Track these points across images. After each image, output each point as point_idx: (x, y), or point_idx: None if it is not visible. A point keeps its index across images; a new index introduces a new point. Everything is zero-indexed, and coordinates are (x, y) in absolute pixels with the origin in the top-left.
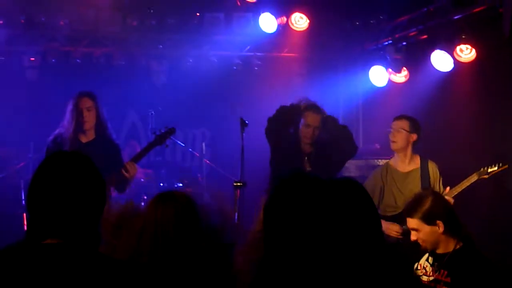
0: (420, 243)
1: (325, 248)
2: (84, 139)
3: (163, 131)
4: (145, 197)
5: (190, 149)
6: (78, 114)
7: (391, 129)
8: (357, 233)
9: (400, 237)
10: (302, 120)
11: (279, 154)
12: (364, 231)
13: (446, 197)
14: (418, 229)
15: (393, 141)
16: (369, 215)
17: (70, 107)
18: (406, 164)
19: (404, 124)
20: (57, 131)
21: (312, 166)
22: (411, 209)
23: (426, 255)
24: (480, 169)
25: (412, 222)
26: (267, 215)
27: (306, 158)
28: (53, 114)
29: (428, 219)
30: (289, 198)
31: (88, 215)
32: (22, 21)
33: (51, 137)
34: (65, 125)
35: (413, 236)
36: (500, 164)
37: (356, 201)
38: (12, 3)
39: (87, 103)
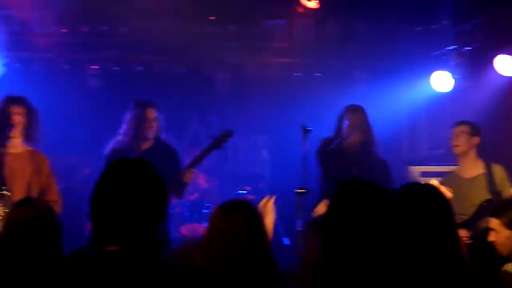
0: (496, 246)
1: (391, 255)
2: (143, 146)
3: (220, 134)
4: (208, 204)
5: (252, 156)
6: (144, 123)
7: (453, 135)
8: (429, 239)
9: (469, 241)
10: (345, 122)
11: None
12: (437, 237)
13: None
14: (497, 231)
15: (456, 145)
16: (442, 219)
17: (133, 114)
18: (471, 169)
19: (465, 128)
20: (117, 139)
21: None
22: (499, 209)
23: None
24: None
25: (494, 222)
26: (326, 221)
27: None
28: (115, 121)
29: (510, 225)
30: (351, 203)
31: (150, 221)
32: (85, 30)
33: (110, 145)
34: (126, 132)
35: (491, 237)
36: None
37: (429, 206)
38: (74, 12)
39: (154, 113)
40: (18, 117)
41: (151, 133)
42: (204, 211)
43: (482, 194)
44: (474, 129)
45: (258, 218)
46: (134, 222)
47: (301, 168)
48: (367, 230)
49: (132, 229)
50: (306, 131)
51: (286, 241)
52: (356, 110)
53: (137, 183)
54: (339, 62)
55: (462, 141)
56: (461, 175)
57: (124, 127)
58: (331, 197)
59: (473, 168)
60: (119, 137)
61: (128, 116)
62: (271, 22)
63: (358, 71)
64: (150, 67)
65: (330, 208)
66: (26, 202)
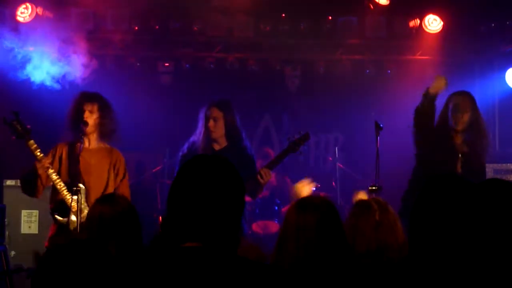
0: None
1: (474, 252)
2: (216, 147)
3: (297, 137)
4: (278, 201)
5: (324, 153)
6: (206, 123)
7: None
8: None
9: None
10: (450, 106)
11: (429, 153)
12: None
13: None
14: None
15: None
16: None
17: (201, 115)
18: None
19: None
20: (191, 139)
21: (464, 168)
22: None
23: None
24: None
25: None
26: (414, 216)
27: (460, 156)
28: (187, 119)
29: None
30: (440, 200)
31: (228, 218)
32: (157, 27)
33: (186, 145)
34: (198, 133)
35: None
36: None
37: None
38: (146, 10)
39: (214, 112)
40: (91, 114)
41: (213, 134)
42: (275, 208)
43: None
44: None
45: (331, 214)
46: (212, 218)
47: (373, 165)
48: (455, 226)
49: (209, 226)
50: (378, 128)
51: None
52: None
53: (215, 179)
54: (409, 58)
55: None
56: None
57: (198, 127)
58: (421, 190)
59: None
60: (193, 137)
61: (199, 115)
62: (342, 19)
63: (429, 67)
64: (222, 65)
65: (419, 202)
66: (110, 198)
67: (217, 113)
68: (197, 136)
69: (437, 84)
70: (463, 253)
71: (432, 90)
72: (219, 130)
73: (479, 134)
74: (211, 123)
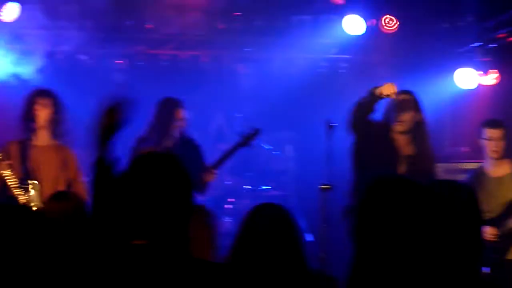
0: None
1: (419, 251)
2: (167, 144)
3: (248, 132)
4: (231, 200)
5: (277, 152)
6: (172, 122)
7: (489, 138)
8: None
9: (497, 239)
10: (394, 105)
11: (370, 154)
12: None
13: None
14: None
15: (495, 151)
16: (472, 219)
17: (161, 112)
18: (498, 168)
19: (502, 132)
20: (142, 135)
21: (409, 170)
22: None
23: None
24: None
25: None
26: (358, 218)
27: (404, 158)
28: (140, 116)
29: None
30: (384, 200)
31: (174, 215)
32: (109, 24)
33: (136, 141)
34: (152, 129)
35: None
36: None
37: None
38: (99, 7)
39: (182, 113)
40: (42, 109)
41: (177, 132)
42: (226, 206)
43: (509, 194)
44: (508, 132)
45: (283, 220)
46: (158, 216)
47: (325, 164)
48: (399, 228)
49: (155, 224)
50: (330, 127)
51: (309, 237)
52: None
53: (161, 177)
54: (363, 57)
55: (500, 147)
56: (488, 174)
57: (150, 124)
58: (364, 192)
59: (500, 167)
60: (145, 134)
61: (156, 113)
62: (297, 17)
63: (382, 68)
64: (176, 62)
65: (363, 204)
66: (62, 196)
67: (184, 114)
68: (151, 133)
69: (385, 90)
70: (408, 255)
71: (377, 92)
72: (181, 129)
73: (423, 135)
74: (182, 123)
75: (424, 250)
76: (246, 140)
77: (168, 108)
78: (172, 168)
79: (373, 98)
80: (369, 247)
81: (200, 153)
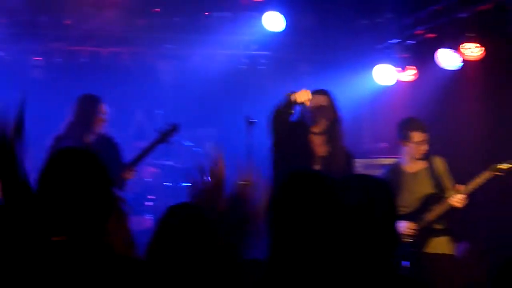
0: None
1: (334, 245)
2: (86, 140)
3: (166, 128)
4: (151, 197)
5: (197, 148)
6: (95, 118)
7: (417, 142)
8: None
9: (414, 233)
10: (309, 105)
11: (287, 154)
12: (381, 229)
13: (460, 195)
14: None
15: (419, 154)
16: (387, 213)
17: (83, 108)
18: (414, 163)
19: (427, 134)
20: (61, 131)
21: (323, 170)
22: None
23: None
24: (492, 165)
25: None
26: (271, 213)
27: (319, 159)
28: (60, 113)
29: None
30: (297, 194)
31: (94, 212)
32: (28, 20)
33: (55, 136)
34: (73, 125)
35: None
36: None
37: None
38: (18, 2)
39: (105, 109)
40: None
41: (98, 129)
42: (147, 203)
43: (425, 188)
44: (428, 131)
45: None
46: (75, 212)
47: (245, 160)
48: (313, 221)
49: (73, 220)
50: (250, 123)
51: None
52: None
53: (81, 173)
54: (282, 55)
55: (424, 149)
56: (405, 169)
57: (71, 120)
58: (278, 187)
59: (416, 162)
60: (64, 131)
61: (76, 109)
62: (217, 14)
63: (302, 64)
64: (95, 59)
65: (277, 198)
66: None
67: (106, 109)
68: (71, 129)
69: (299, 97)
70: (321, 249)
71: (293, 98)
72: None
73: (338, 134)
74: (104, 119)
75: (338, 244)
76: (164, 136)
77: (89, 104)
78: (91, 164)
79: (289, 103)
80: (282, 242)
81: (118, 151)
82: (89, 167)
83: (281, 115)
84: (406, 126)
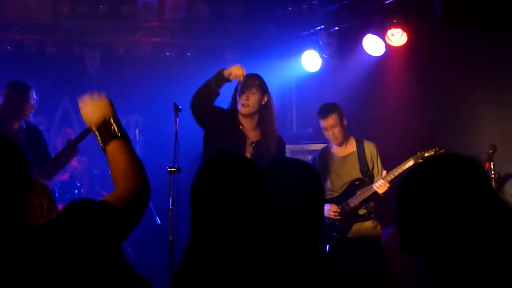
0: None
1: (255, 230)
2: (13, 128)
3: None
4: (79, 184)
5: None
6: (25, 106)
7: (324, 129)
8: (295, 214)
9: (338, 217)
10: (239, 88)
11: (216, 139)
12: (303, 212)
13: (382, 181)
14: None
15: (334, 139)
16: (311, 195)
17: (12, 96)
18: (343, 147)
19: (335, 118)
20: None
21: (254, 155)
22: None
23: None
24: (417, 153)
25: None
26: (192, 196)
27: (249, 142)
28: None
29: None
30: (215, 178)
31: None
32: None
33: None
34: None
35: None
36: (437, 149)
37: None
38: None
39: (34, 96)
40: None
41: (27, 116)
42: (75, 191)
43: (353, 173)
44: (341, 114)
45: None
46: None
47: (173, 147)
48: (235, 206)
49: None
50: (177, 109)
51: (157, 220)
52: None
53: None
54: (210, 42)
55: (338, 133)
56: (334, 153)
57: None
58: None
59: (346, 146)
60: None
61: (6, 95)
62: (142, 1)
63: (229, 50)
64: (20, 47)
65: (195, 183)
66: None
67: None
68: None
69: (234, 71)
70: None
71: (226, 73)
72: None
73: (269, 118)
74: (32, 106)
75: (260, 228)
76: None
77: (20, 91)
78: (5, 150)
79: (220, 79)
80: (201, 228)
81: (45, 139)
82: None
83: (208, 93)
84: (317, 114)
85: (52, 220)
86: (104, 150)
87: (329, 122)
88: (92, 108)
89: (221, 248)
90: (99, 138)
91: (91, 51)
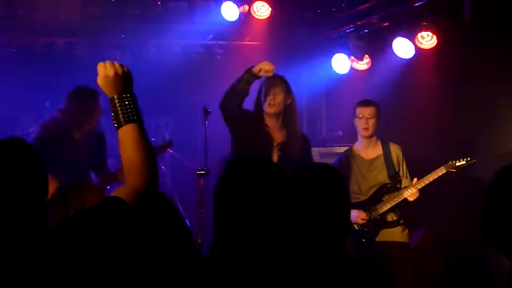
0: None
1: (279, 232)
2: (78, 136)
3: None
4: (108, 187)
5: (153, 139)
6: (96, 113)
7: (360, 116)
8: (321, 218)
9: (367, 223)
10: (263, 89)
11: (243, 140)
12: (329, 216)
13: (413, 189)
14: None
15: (366, 128)
16: (336, 200)
17: (84, 102)
18: (370, 150)
19: (374, 110)
20: (53, 123)
21: (281, 156)
22: None
23: None
24: (448, 162)
25: None
26: (215, 199)
27: (275, 144)
28: (13, 105)
29: None
30: (238, 180)
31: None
32: None
33: (43, 129)
34: (69, 119)
35: None
36: (468, 159)
37: (323, 186)
38: None
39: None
40: None
41: (93, 127)
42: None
43: (380, 176)
44: (379, 111)
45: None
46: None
47: (202, 149)
48: (258, 209)
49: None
50: (207, 113)
51: (187, 222)
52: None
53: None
54: (239, 44)
55: (371, 124)
56: (361, 156)
57: (65, 113)
58: (220, 174)
59: (372, 149)
60: (57, 122)
61: (73, 103)
62: (171, 4)
63: (258, 52)
64: (50, 50)
65: (218, 186)
66: None
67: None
68: (66, 123)
69: (263, 67)
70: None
71: (255, 69)
72: None
73: (294, 119)
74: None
75: (287, 232)
76: (158, 150)
77: (90, 98)
78: (24, 155)
79: (250, 77)
80: (226, 230)
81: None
82: (17, 157)
83: (237, 92)
84: (356, 105)
85: (67, 219)
86: (117, 129)
87: (368, 111)
88: (111, 79)
89: (245, 253)
90: (117, 114)
91: (120, 54)
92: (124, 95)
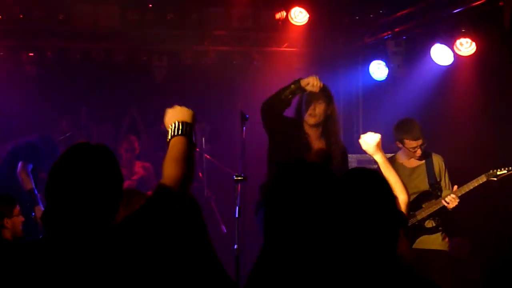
0: None
1: (329, 237)
2: None
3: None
4: (144, 192)
5: None
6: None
7: (415, 148)
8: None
9: (405, 229)
10: (304, 98)
11: (282, 148)
12: (376, 221)
13: (452, 196)
14: None
15: (419, 155)
16: (383, 205)
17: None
18: (412, 159)
19: (421, 140)
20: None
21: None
22: None
23: None
24: (489, 170)
25: None
26: (267, 202)
27: (314, 151)
28: (52, 110)
29: None
30: (291, 185)
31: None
32: (21, 16)
33: None
34: None
35: None
36: (510, 168)
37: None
38: None
39: None
40: None
41: None
42: None
43: (421, 185)
44: (424, 133)
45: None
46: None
47: (239, 155)
48: (308, 214)
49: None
50: (244, 119)
51: (223, 229)
52: None
53: (91, 168)
54: (276, 50)
55: (421, 150)
56: (403, 164)
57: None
58: (273, 179)
59: (415, 158)
60: None
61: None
62: (209, 10)
63: (295, 59)
64: (88, 55)
65: (270, 190)
66: None
67: None
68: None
69: (312, 81)
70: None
71: (303, 82)
72: None
73: (334, 128)
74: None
75: (334, 236)
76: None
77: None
78: (103, 159)
79: (296, 89)
80: (277, 235)
81: None
82: (99, 162)
83: (281, 102)
84: (400, 132)
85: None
86: (168, 143)
87: (418, 144)
88: (173, 113)
89: (297, 256)
90: (169, 133)
91: (158, 60)
92: (182, 122)
